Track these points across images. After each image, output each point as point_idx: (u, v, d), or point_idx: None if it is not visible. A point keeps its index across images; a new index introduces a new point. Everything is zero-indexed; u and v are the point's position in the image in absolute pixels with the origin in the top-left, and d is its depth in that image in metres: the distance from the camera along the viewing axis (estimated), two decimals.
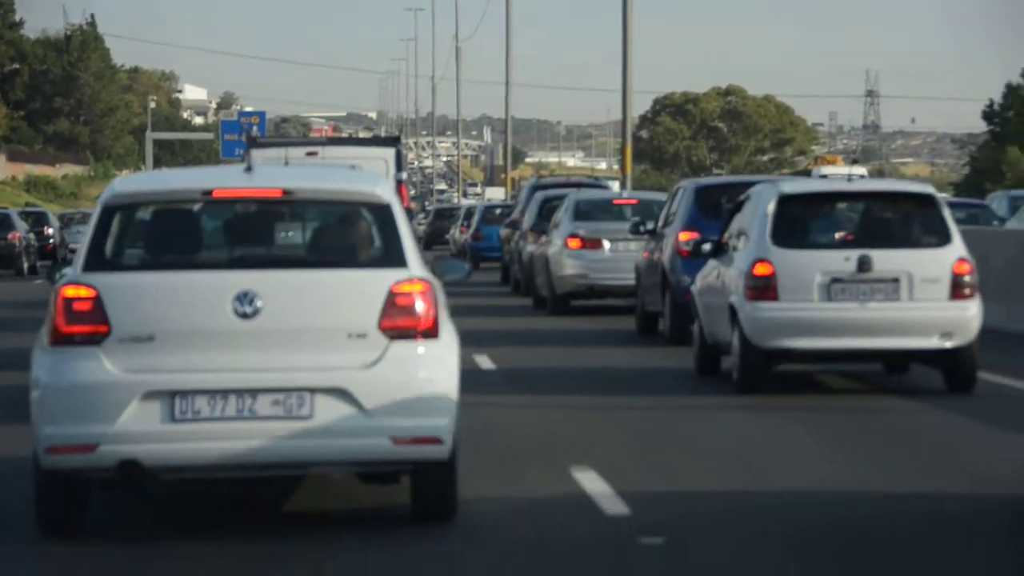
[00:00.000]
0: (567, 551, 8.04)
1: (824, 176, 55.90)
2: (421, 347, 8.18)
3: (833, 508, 9.08)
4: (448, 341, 8.33)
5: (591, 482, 9.77)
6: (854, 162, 73.75)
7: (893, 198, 14.79)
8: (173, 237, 8.54)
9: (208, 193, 8.48)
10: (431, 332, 8.21)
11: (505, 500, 9.34)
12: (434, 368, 8.19)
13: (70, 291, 8.09)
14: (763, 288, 13.96)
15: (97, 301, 8.05)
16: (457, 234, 51.08)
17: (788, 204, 14.30)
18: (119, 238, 8.42)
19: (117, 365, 8.00)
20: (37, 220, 49.85)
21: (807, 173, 61.05)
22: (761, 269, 13.99)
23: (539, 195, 30.12)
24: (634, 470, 10.32)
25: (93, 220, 8.39)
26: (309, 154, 19.33)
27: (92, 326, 8.03)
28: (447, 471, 8.38)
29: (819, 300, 13.91)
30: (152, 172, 9.58)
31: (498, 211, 43.73)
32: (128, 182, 8.74)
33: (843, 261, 13.63)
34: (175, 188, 8.74)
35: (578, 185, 33.39)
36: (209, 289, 8.10)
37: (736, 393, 14.17)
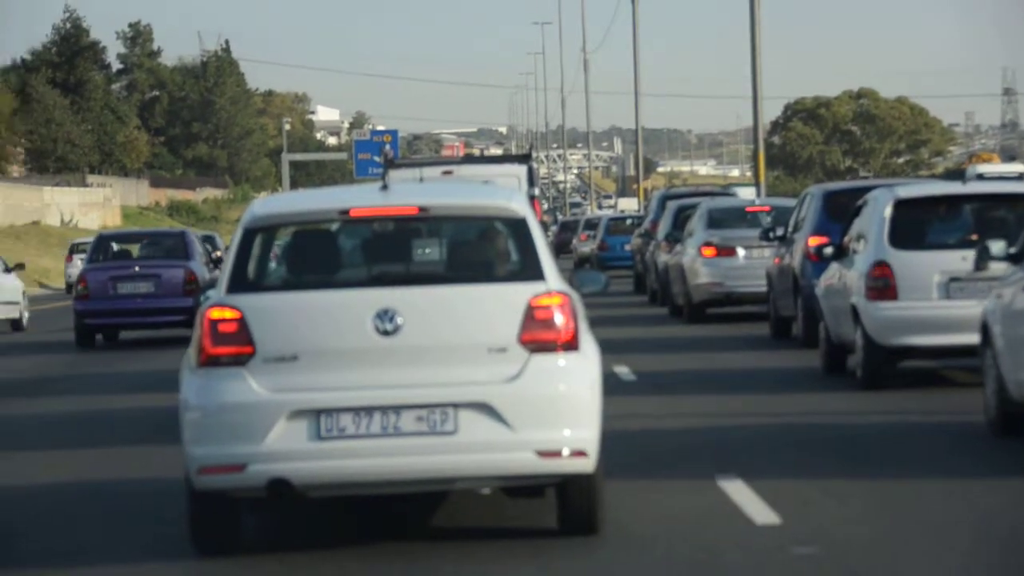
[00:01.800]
0: (721, 563, 7.94)
1: (980, 174, 54.31)
2: (562, 360, 8.16)
3: (979, 498, 8.89)
4: (589, 353, 8.31)
5: (738, 491, 9.67)
6: (1011, 159, 71.40)
7: (1008, 199, 15.12)
8: (313, 257, 8.62)
9: (346, 212, 8.53)
10: (571, 344, 8.19)
11: (653, 511, 9.27)
12: (576, 380, 8.17)
13: (215, 313, 8.19)
14: (883, 288, 14.50)
15: (242, 322, 8.14)
16: (577, 243, 53.12)
17: (904, 207, 14.81)
18: (261, 259, 8.52)
19: (263, 385, 8.08)
20: (206, 242, 50.76)
21: (961, 173, 59.42)
22: (880, 270, 14.51)
23: (672, 205, 30.36)
24: (777, 476, 10.22)
25: (235, 242, 8.49)
26: (444, 173, 19.60)
27: (238, 347, 8.12)
28: (593, 484, 8.34)
29: (938, 298, 14.43)
30: (290, 193, 9.70)
31: (627, 222, 45.61)
32: (267, 204, 8.83)
33: (960, 260, 13.68)
34: (313, 209, 8.82)
35: (708, 194, 33.66)
36: (350, 307, 8.15)
37: (861, 389, 14.53)
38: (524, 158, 20.99)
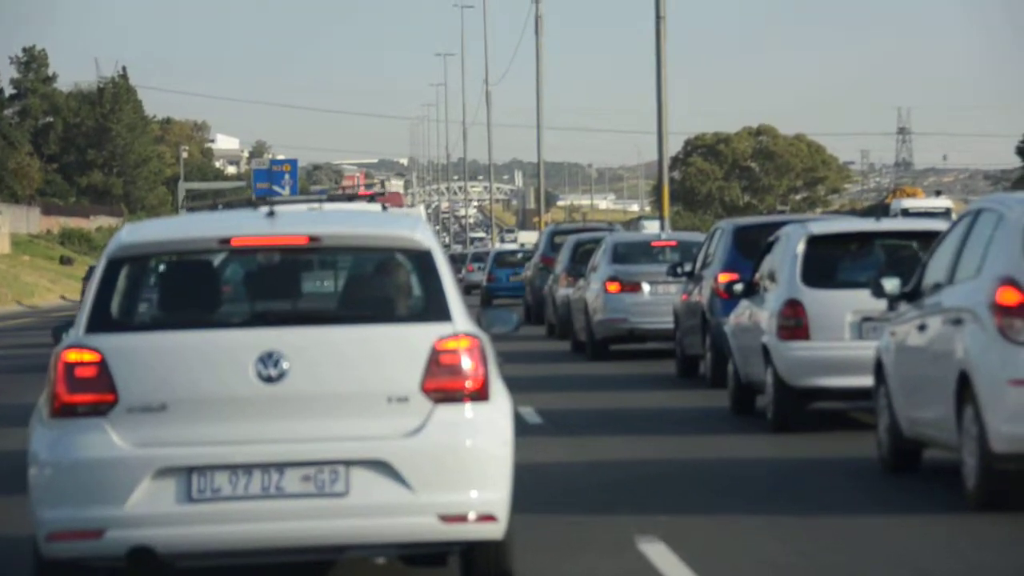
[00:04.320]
0: None
1: (905, 209, 53.35)
2: (470, 411, 7.24)
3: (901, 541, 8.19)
4: (500, 403, 7.39)
5: (660, 555, 8.87)
6: (937, 194, 70.67)
7: (920, 236, 14.82)
8: (188, 292, 7.60)
9: (226, 241, 7.54)
10: (480, 394, 7.26)
11: None
12: (485, 434, 7.24)
13: (72, 355, 7.17)
14: (794, 328, 14.23)
15: (102, 366, 7.14)
16: (465, 273, 57.33)
17: (817, 244, 14.57)
18: (127, 294, 7.49)
19: (126, 439, 7.09)
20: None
21: (886, 208, 58.18)
22: (792, 309, 14.24)
23: (571, 239, 30.55)
24: (698, 533, 9.61)
25: (97, 274, 7.45)
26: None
27: (97, 394, 7.12)
28: (502, 551, 7.44)
29: (850, 339, 14.08)
30: (164, 219, 8.61)
31: (518, 255, 48.86)
32: (137, 231, 7.77)
33: (873, 300, 13.07)
34: (189, 237, 7.75)
35: (594, 230, 34.89)
36: (228, 350, 7.17)
37: (771, 431, 14.31)
38: (373, 197, 21.01)
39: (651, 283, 23.90)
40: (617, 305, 23.81)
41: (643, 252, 25.11)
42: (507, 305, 40.16)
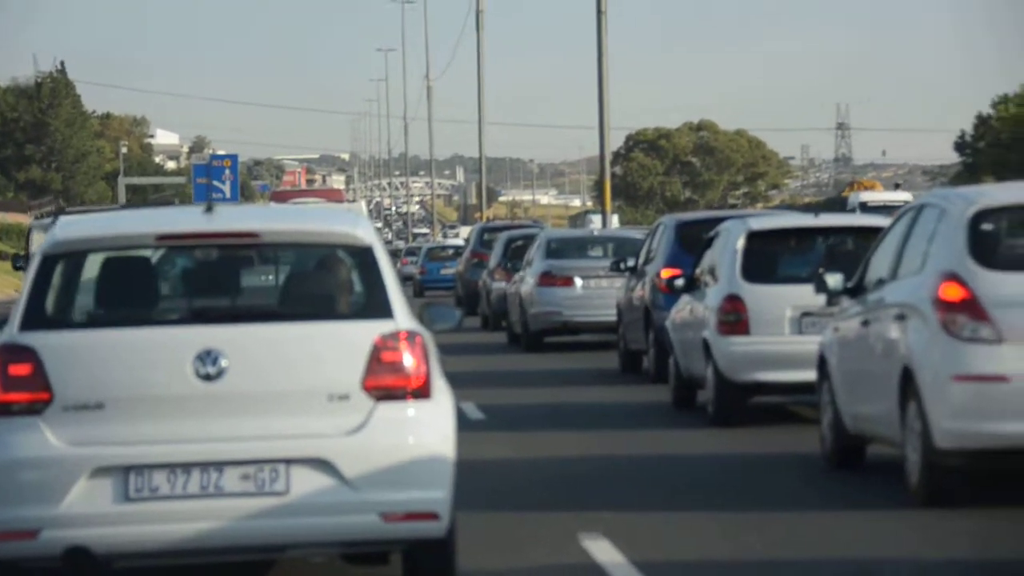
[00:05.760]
0: None
1: (864, 203, 52.03)
2: (411, 408, 7.15)
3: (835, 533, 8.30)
4: (442, 400, 7.30)
5: (603, 551, 8.82)
6: (897, 186, 70.04)
7: (859, 232, 14.87)
8: (124, 288, 7.46)
9: (163, 237, 7.42)
10: (422, 391, 7.18)
11: (512, 574, 8.41)
12: (427, 432, 7.16)
13: (6, 354, 7.02)
14: (734, 323, 14.27)
15: (37, 364, 7.01)
16: (400, 266, 59.16)
17: (757, 239, 14.60)
18: (62, 291, 7.35)
19: (61, 437, 6.96)
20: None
21: (843, 201, 57.35)
22: (731, 304, 14.27)
23: (503, 235, 32.25)
24: (640, 528, 9.58)
25: (31, 271, 7.31)
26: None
27: (32, 393, 6.99)
28: (444, 549, 7.35)
29: (790, 333, 14.16)
30: (100, 215, 8.45)
31: (448, 250, 52.55)
32: (71, 226, 7.61)
33: (812, 295, 13.15)
34: (125, 232, 7.61)
35: (522, 226, 38.81)
36: (166, 348, 7.05)
37: (712, 425, 14.33)
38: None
39: (583, 277, 24.59)
40: (550, 299, 24.58)
41: (576, 248, 25.90)
42: (439, 296, 43.34)
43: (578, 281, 24.64)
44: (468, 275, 36.30)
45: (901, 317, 10.19)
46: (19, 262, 33.21)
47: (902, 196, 56.41)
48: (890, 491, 10.43)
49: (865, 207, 49.38)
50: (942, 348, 9.67)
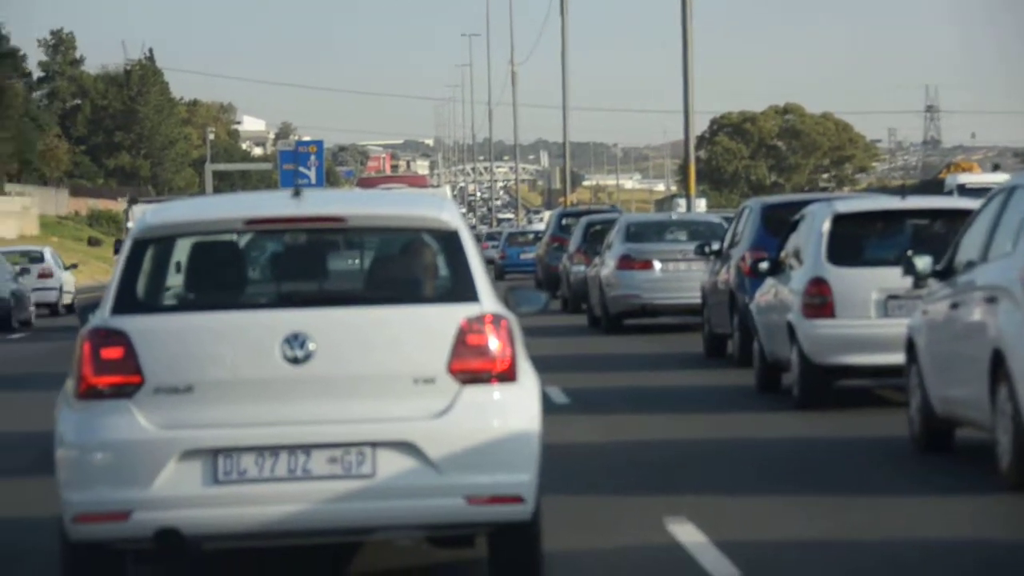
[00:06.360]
0: None
1: (962, 185, 50.64)
2: (497, 392, 7.16)
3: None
4: (528, 384, 7.30)
5: (689, 536, 8.80)
6: (995, 167, 68.78)
7: (946, 215, 14.82)
8: (213, 273, 7.52)
9: (252, 221, 7.46)
10: (508, 375, 7.18)
11: (600, 564, 8.37)
12: (512, 415, 7.15)
13: (97, 337, 7.11)
14: (819, 305, 14.23)
15: (128, 348, 7.07)
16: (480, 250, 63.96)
17: (842, 223, 14.56)
18: (153, 275, 7.41)
19: (152, 420, 7.02)
20: None
21: (940, 183, 56.28)
22: (817, 287, 14.24)
23: (583, 220, 32.93)
24: (727, 514, 9.52)
25: (123, 255, 7.39)
26: None
27: (123, 376, 7.05)
28: (530, 532, 7.35)
29: (876, 316, 14.07)
30: (190, 200, 8.54)
31: (528, 235, 54.06)
32: (162, 211, 7.68)
33: (899, 277, 13.03)
34: (214, 217, 7.67)
35: (599, 211, 39.50)
36: (254, 331, 7.10)
37: (797, 408, 14.27)
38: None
39: (662, 261, 25.08)
40: (629, 282, 25.05)
41: (655, 231, 26.28)
42: (518, 280, 44.52)
43: (657, 264, 25.06)
44: (547, 259, 37.27)
45: (991, 299, 10.10)
46: (119, 247, 34.32)
47: (1000, 177, 54.68)
48: (980, 475, 10.34)
49: (963, 189, 48.19)
50: None
